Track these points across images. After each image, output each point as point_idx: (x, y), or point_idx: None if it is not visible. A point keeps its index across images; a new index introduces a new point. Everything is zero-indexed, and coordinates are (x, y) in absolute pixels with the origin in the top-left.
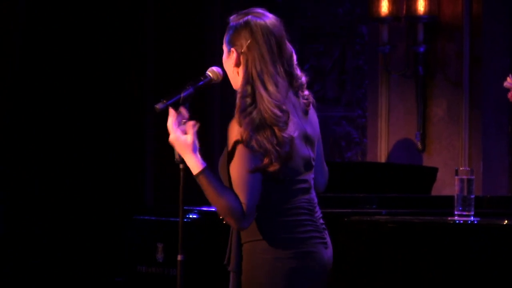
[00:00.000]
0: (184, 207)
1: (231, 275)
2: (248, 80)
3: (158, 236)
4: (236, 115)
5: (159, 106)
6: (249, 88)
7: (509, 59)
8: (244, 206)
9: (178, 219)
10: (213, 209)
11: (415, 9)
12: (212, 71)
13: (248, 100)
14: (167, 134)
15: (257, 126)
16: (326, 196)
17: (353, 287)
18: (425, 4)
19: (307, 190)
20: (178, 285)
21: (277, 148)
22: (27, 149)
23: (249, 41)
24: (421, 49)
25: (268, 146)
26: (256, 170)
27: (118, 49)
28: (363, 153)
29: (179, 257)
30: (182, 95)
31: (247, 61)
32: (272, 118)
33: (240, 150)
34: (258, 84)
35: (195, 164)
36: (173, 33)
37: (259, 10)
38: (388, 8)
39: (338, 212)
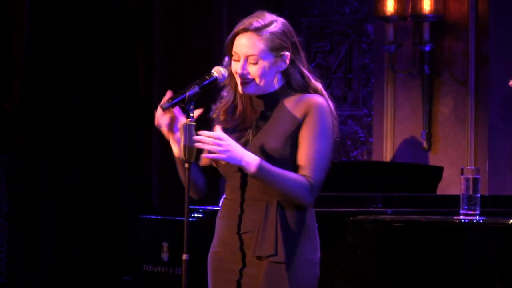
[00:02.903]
0: (190, 206)
1: (266, 265)
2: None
3: (163, 235)
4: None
5: (164, 105)
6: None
7: None
8: (312, 181)
9: (183, 218)
10: (218, 208)
11: (421, 8)
12: (218, 71)
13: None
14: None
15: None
16: (331, 195)
17: (358, 286)
18: (431, 3)
19: None
20: (183, 285)
21: None
22: (33, 147)
23: (294, 41)
24: (427, 48)
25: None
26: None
27: (126, 50)
28: (369, 152)
29: (184, 257)
30: (187, 94)
31: (295, 59)
32: None
33: (329, 130)
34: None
35: (252, 159)
36: (181, 34)
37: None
38: (394, 7)
39: (343, 211)
